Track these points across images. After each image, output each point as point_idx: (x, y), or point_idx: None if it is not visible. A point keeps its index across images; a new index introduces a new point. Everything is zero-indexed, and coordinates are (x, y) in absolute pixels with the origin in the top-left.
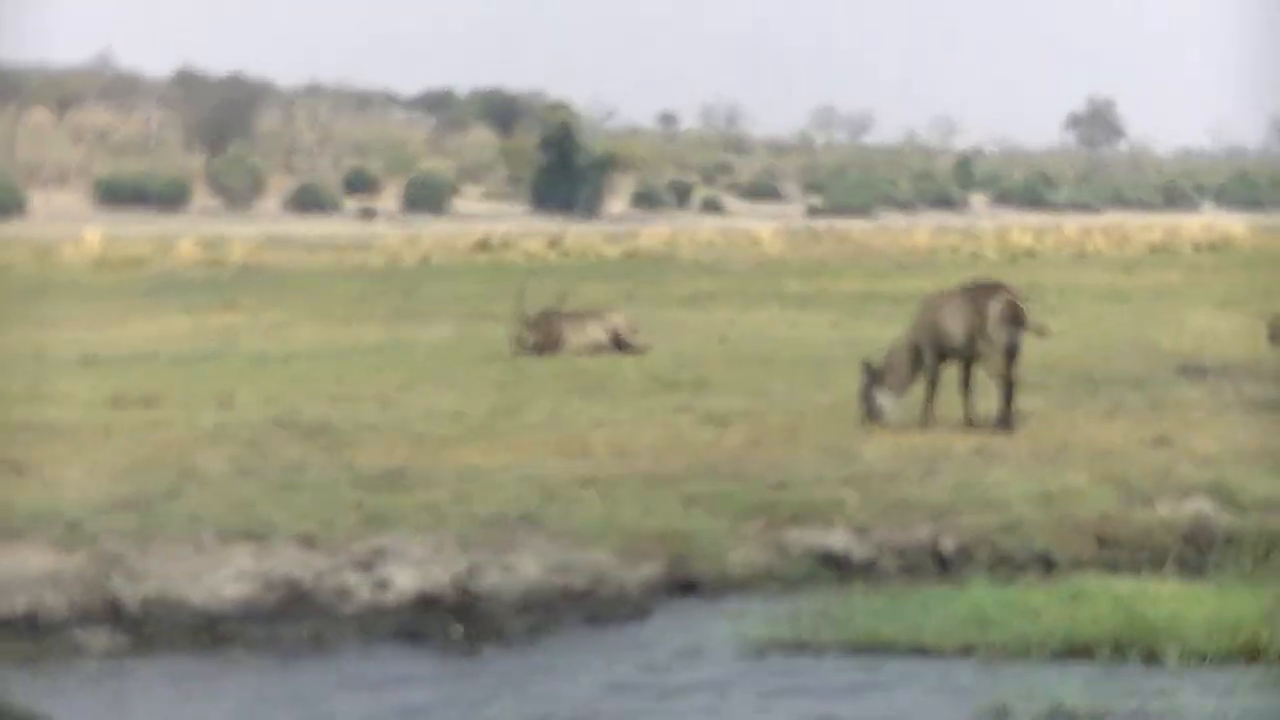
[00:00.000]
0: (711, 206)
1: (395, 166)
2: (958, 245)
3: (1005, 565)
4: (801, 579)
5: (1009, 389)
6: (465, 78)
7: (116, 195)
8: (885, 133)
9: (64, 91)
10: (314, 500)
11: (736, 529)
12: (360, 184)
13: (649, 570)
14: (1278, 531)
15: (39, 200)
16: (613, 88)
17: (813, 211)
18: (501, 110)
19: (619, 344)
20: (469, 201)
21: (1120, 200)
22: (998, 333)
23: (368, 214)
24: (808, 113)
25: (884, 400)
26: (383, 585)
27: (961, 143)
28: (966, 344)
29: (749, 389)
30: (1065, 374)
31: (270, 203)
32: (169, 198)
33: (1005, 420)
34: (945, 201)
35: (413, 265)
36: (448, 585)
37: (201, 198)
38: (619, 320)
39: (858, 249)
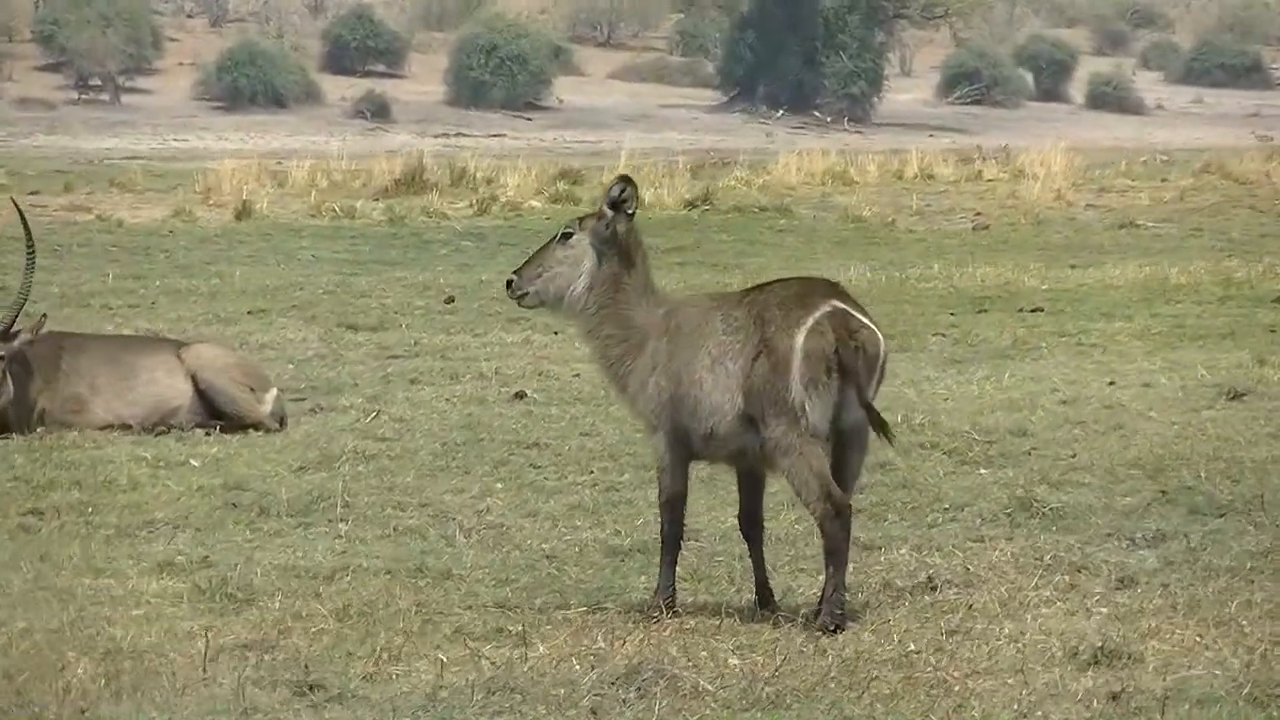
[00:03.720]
0: (1109, 98)
1: (441, 16)
2: None
3: None
4: None
5: (839, 522)
6: None
7: None
8: None
9: None
10: None
11: None
12: (362, 52)
13: None
14: None
15: None
16: None
17: None
18: None
19: (214, 410)
20: (592, 86)
21: None
22: (809, 396)
23: (372, 112)
24: None
25: None
26: None
27: None
28: (741, 424)
29: (404, 513)
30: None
31: (175, 87)
32: None
33: (831, 606)
34: None
35: (233, 225)
36: None
37: (29, 82)
38: (214, 359)
39: (1239, 192)
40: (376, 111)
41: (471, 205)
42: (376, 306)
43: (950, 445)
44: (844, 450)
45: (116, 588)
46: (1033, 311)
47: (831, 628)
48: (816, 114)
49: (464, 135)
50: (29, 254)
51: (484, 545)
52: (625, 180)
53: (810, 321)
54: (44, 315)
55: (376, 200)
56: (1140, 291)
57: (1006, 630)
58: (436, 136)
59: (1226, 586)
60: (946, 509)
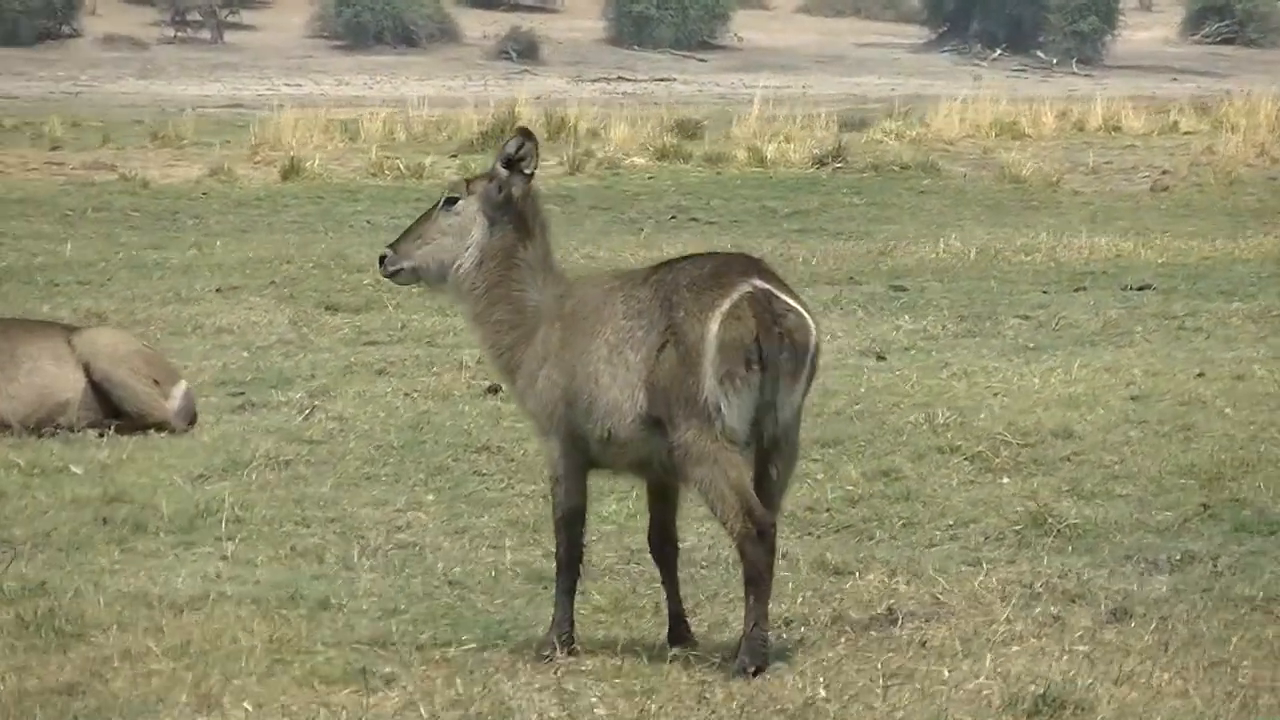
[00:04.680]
0: None
1: None
2: None
3: None
4: None
5: (762, 545)
6: None
7: None
8: None
9: None
10: None
11: None
12: None
13: None
14: None
15: None
16: None
17: None
18: None
19: (111, 407)
20: (777, 21)
21: None
22: (724, 394)
23: (518, 52)
24: None
25: None
26: None
27: None
28: (644, 427)
29: (306, 529)
30: None
31: (287, 24)
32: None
33: (751, 643)
34: None
35: (278, 186)
36: None
37: (117, 17)
38: (111, 347)
39: None
40: (523, 51)
41: (563, 162)
42: (369, 284)
43: (974, 449)
44: (768, 459)
45: None
46: (1139, 289)
47: (751, 669)
48: (1039, 54)
49: (624, 79)
50: None
51: (386, 569)
52: (524, 134)
53: (726, 305)
54: None
55: (454, 157)
56: (1273, 266)
57: (953, 673)
58: (594, 81)
59: (1237, 620)
60: (950, 525)
